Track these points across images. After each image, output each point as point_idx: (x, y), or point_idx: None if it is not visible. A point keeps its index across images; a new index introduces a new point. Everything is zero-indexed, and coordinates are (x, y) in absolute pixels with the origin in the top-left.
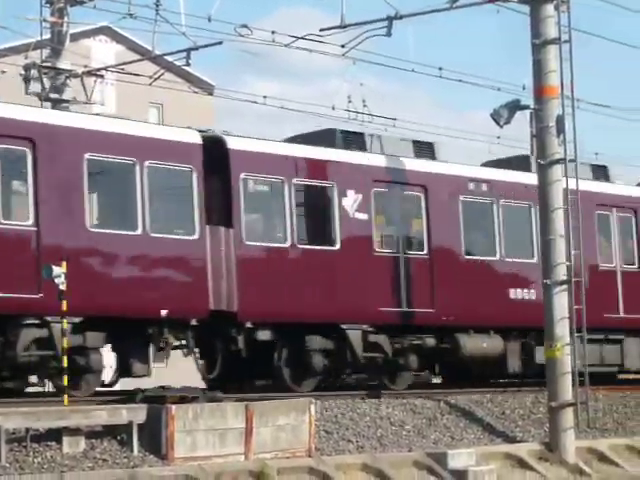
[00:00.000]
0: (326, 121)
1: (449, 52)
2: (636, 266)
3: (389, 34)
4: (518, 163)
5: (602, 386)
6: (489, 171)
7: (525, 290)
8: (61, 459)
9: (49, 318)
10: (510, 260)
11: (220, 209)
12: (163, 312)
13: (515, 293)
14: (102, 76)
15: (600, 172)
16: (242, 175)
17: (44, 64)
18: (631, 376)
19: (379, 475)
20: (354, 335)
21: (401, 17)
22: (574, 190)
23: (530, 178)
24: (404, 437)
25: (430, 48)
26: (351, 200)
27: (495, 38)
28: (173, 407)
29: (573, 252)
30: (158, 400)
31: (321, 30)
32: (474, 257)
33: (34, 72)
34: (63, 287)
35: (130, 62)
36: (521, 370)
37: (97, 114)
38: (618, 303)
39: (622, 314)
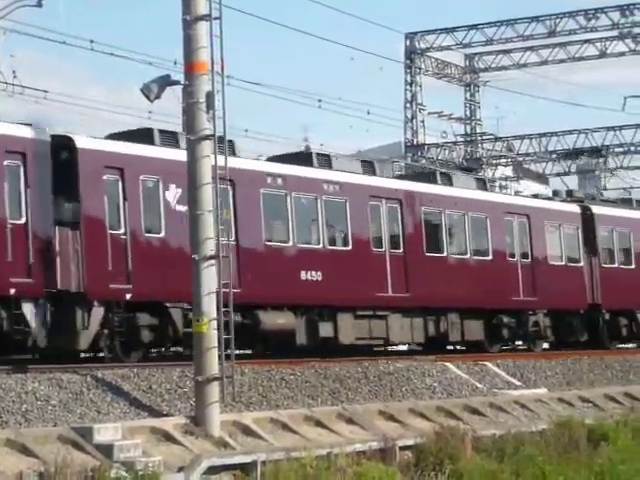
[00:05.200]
0: None
1: (105, 25)
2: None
3: (40, 4)
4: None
5: (248, 360)
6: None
7: None
8: None
9: None
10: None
11: None
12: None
13: None
14: None
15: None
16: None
17: None
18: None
19: (23, 450)
20: None
21: None
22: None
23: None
24: (50, 412)
25: (86, 20)
26: None
27: (151, 12)
28: None
29: (220, 227)
30: None
31: None
32: None
33: None
34: None
35: None
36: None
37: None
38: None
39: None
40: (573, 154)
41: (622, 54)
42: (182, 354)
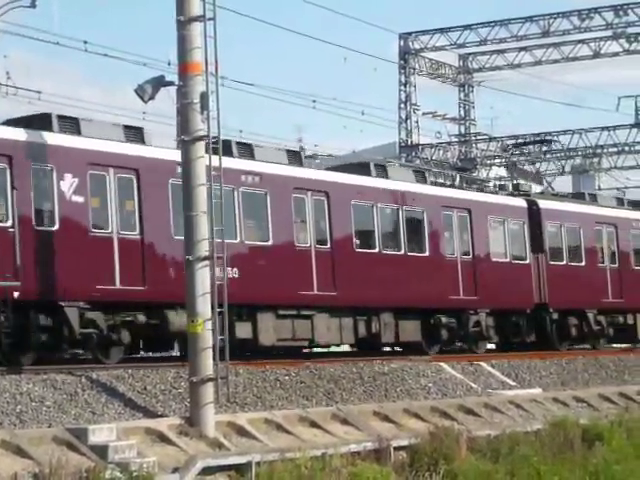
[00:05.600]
0: None
1: (99, 26)
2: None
3: (34, 5)
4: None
5: (242, 361)
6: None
7: None
8: None
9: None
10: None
11: None
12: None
13: None
14: None
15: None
16: None
17: None
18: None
19: (18, 452)
20: None
21: None
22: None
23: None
24: (44, 413)
25: (80, 21)
26: None
27: (145, 13)
28: None
29: (215, 228)
30: None
31: None
32: None
33: None
34: None
35: None
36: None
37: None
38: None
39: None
40: (520, 145)
41: (616, 54)
42: (79, 356)
